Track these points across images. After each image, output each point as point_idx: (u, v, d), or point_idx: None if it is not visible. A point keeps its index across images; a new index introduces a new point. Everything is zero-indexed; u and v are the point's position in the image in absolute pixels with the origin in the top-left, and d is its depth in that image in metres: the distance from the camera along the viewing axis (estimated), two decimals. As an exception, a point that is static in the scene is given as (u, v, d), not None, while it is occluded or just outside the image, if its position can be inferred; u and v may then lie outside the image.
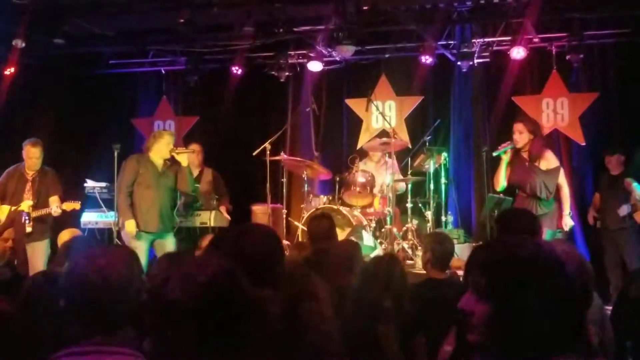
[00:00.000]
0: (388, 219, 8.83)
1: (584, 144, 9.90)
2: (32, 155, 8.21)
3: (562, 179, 7.49)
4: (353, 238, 8.06)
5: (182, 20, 8.88)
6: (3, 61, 9.68)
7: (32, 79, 10.43)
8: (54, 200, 8.22)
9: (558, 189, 7.44)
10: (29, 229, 8.09)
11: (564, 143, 9.87)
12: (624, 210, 8.41)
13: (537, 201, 7.19)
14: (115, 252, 2.64)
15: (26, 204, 8.16)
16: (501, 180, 7.37)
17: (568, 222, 7.43)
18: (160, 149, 7.85)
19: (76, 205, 8.33)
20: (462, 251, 8.12)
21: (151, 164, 7.82)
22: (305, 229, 9.13)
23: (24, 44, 9.11)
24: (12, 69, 9.78)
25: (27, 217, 8.06)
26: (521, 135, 7.30)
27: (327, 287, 2.89)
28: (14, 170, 8.35)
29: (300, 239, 9.32)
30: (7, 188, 8.28)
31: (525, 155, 7.31)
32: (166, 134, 8.19)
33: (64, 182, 8.75)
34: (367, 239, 8.19)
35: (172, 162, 7.97)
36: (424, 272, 5.23)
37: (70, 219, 9.55)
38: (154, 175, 7.78)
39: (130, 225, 7.61)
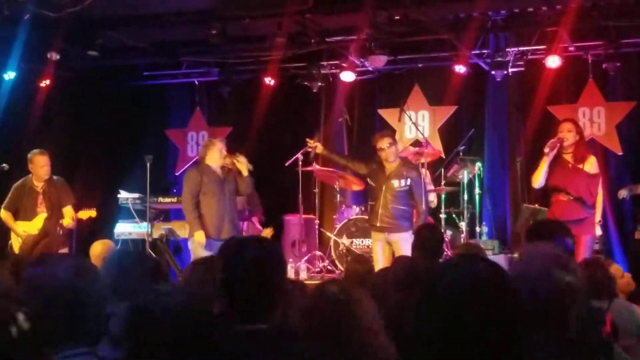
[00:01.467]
0: (421, 229, 8.73)
1: (620, 153, 9.77)
2: (44, 163, 8.06)
3: (600, 187, 7.36)
4: None
5: (214, 32, 8.91)
6: (39, 73, 9.80)
7: (67, 90, 10.55)
8: (67, 211, 8.11)
9: None
10: None
11: (600, 152, 9.69)
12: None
13: (581, 203, 7.02)
14: (85, 263, 2.62)
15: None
16: (541, 179, 7.13)
17: (597, 231, 7.31)
18: (214, 157, 7.81)
19: (92, 212, 8.31)
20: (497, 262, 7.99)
21: (212, 172, 7.77)
22: (338, 240, 9.15)
23: (58, 56, 9.20)
24: (48, 81, 9.91)
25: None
26: (569, 134, 7.11)
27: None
28: (22, 185, 8.17)
29: (332, 250, 9.29)
30: (19, 203, 8.12)
31: (567, 157, 7.14)
32: (217, 140, 8.10)
33: (98, 193, 8.73)
34: None
35: (228, 169, 7.93)
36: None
37: (103, 229, 9.64)
38: (217, 183, 7.74)
39: (200, 236, 7.54)
